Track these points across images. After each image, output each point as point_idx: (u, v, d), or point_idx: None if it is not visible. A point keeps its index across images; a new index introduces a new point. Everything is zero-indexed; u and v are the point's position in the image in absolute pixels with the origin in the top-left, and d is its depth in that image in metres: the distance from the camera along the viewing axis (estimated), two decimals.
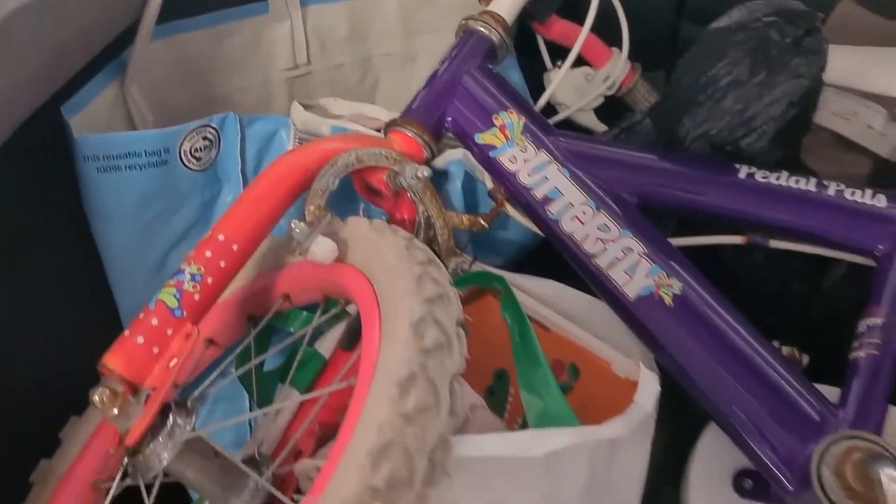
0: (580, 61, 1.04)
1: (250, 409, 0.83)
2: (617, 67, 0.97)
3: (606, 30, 0.95)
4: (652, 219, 0.73)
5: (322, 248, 0.64)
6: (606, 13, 0.93)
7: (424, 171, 0.72)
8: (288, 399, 0.72)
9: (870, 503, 0.53)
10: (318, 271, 0.67)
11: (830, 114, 0.81)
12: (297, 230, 0.65)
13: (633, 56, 0.99)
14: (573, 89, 1.00)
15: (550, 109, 0.96)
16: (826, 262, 0.78)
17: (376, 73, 1.02)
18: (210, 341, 0.75)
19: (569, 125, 0.98)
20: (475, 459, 0.52)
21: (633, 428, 0.58)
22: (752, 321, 0.75)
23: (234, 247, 0.65)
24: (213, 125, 0.76)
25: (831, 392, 0.65)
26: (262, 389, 0.74)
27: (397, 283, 0.56)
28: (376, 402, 0.49)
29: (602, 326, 0.71)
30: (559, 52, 0.98)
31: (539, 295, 0.74)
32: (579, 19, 0.93)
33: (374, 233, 0.63)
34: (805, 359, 0.78)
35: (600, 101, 1.00)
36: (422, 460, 0.47)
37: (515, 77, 0.92)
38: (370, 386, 0.51)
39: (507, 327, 0.65)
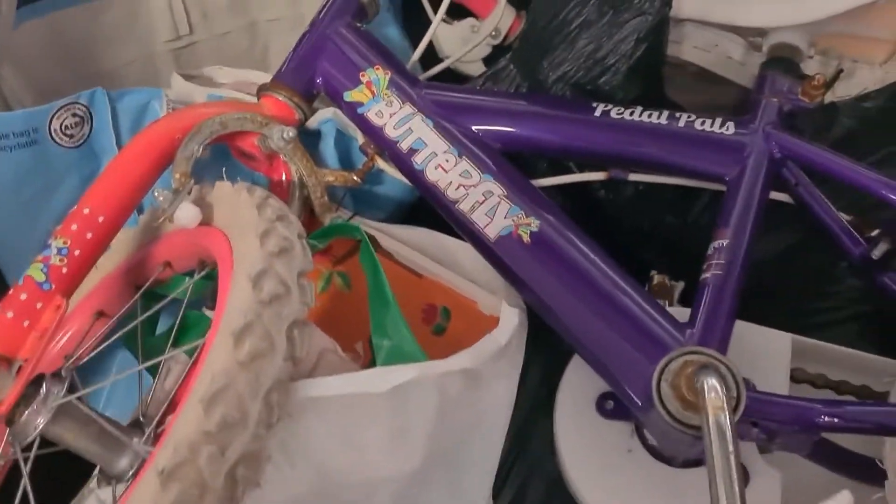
0: (467, 13, 1.05)
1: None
2: (498, 16, 0.99)
3: None
4: (522, 163, 0.76)
5: (185, 213, 0.66)
6: None
7: (290, 132, 0.74)
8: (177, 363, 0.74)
9: (699, 411, 0.56)
10: (191, 236, 0.69)
11: (692, 47, 0.83)
12: (161, 197, 0.67)
13: (519, 4, 1.00)
14: (461, 41, 1.02)
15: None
16: (692, 193, 0.82)
17: (265, 38, 1.03)
18: (100, 313, 0.77)
19: (460, 78, 1.00)
20: (323, 399, 0.55)
21: (483, 359, 0.61)
22: (631, 255, 0.78)
23: (100, 218, 0.66)
24: (82, 102, 0.77)
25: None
26: (152, 355, 0.77)
27: (246, 239, 0.58)
28: (216, 352, 0.51)
29: (472, 269, 0.74)
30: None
31: (412, 243, 0.76)
32: None
33: (233, 194, 0.65)
34: (679, 286, 0.82)
35: (487, 50, 1.02)
36: (256, 403, 0.49)
37: (394, 33, 0.93)
38: (214, 338, 0.53)
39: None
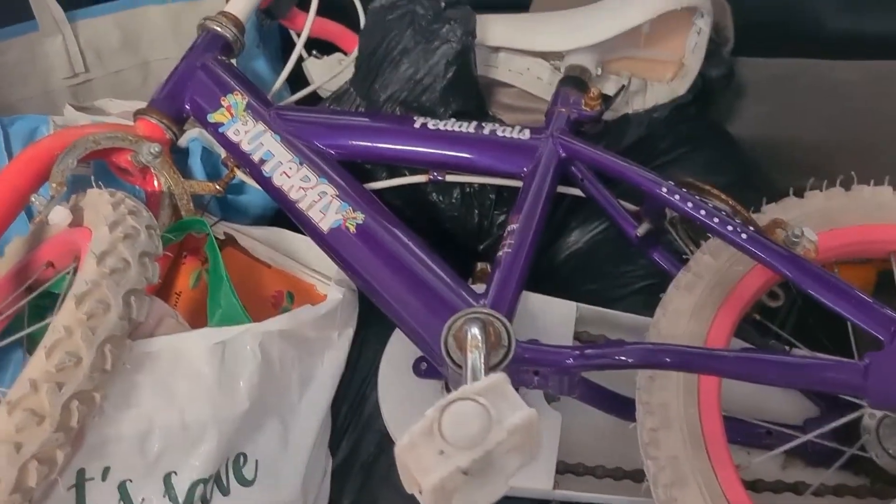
0: (335, 49, 1.20)
1: None
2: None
3: (356, 18, 1.10)
4: (362, 170, 0.90)
5: (57, 215, 0.79)
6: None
7: (155, 148, 0.87)
8: None
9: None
10: (66, 236, 0.81)
11: (508, 71, 0.98)
12: (38, 202, 0.80)
13: None
14: (328, 72, 1.16)
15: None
16: (513, 194, 0.96)
17: (157, 75, 1.15)
18: None
19: None
20: (155, 353, 0.67)
21: (300, 322, 0.74)
22: (463, 247, 0.92)
23: None
24: None
25: None
26: None
27: (99, 228, 0.71)
28: (62, 312, 0.64)
29: (312, 259, 0.87)
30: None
31: (263, 239, 0.89)
32: (328, 12, 1.09)
33: (98, 196, 0.78)
34: None
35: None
36: (91, 352, 0.62)
37: (262, 66, 1.07)
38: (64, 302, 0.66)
39: None
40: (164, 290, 0.90)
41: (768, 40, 1.13)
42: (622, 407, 0.78)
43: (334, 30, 1.16)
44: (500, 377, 0.51)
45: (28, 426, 0.58)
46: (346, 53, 1.18)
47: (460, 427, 0.48)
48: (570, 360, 0.71)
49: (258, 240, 0.89)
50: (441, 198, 0.96)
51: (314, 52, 1.17)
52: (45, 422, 0.59)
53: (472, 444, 0.47)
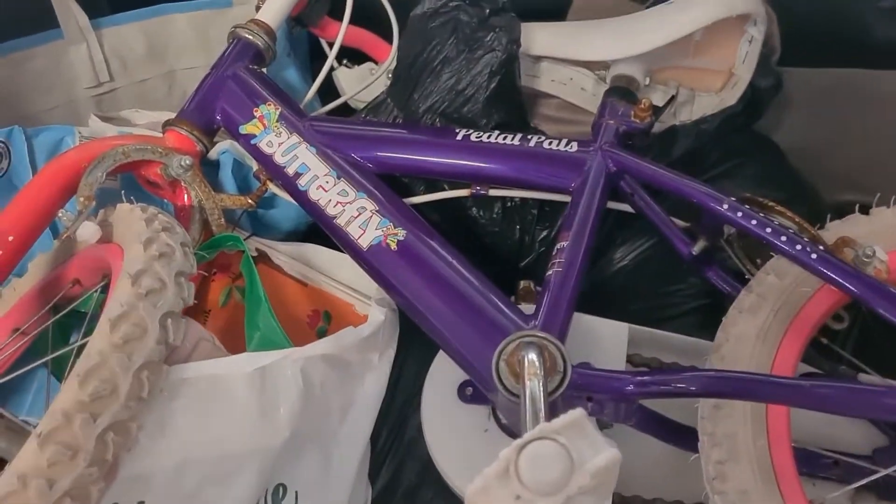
0: (367, 58, 1.16)
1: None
2: (391, 59, 1.10)
3: (388, 27, 1.07)
4: (400, 185, 0.86)
5: (85, 230, 0.75)
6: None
7: (187, 161, 0.84)
8: None
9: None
10: (94, 252, 0.78)
11: (550, 81, 0.95)
12: (65, 217, 0.76)
13: None
14: (360, 82, 1.12)
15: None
16: (554, 208, 0.92)
17: (182, 85, 1.12)
18: (16, 330, 0.84)
19: None
20: (192, 380, 0.63)
21: (342, 346, 0.69)
22: (506, 263, 0.88)
23: (10, 238, 0.75)
24: (1, 138, 0.86)
25: None
26: (64, 365, 0.84)
27: (134, 247, 0.67)
28: (95, 336, 0.60)
29: (350, 277, 0.83)
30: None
31: (298, 256, 0.85)
32: (360, 21, 1.06)
33: (128, 212, 0.74)
34: None
35: (381, 88, 1.13)
36: (126, 379, 0.58)
37: (293, 75, 1.04)
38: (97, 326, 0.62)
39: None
40: (192, 308, 0.86)
41: (815, 50, 1.09)
42: (682, 436, 0.74)
43: (366, 38, 1.13)
44: (579, 413, 0.47)
45: (61, 461, 0.54)
46: (376, 63, 1.15)
47: (540, 470, 0.44)
48: (630, 387, 0.67)
49: (292, 256, 0.85)
50: (481, 212, 0.92)
51: (345, 61, 1.13)
52: (79, 456, 0.55)
53: (554, 491, 0.43)
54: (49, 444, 0.54)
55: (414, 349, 0.84)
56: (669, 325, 0.85)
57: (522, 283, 0.89)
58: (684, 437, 0.73)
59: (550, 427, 0.45)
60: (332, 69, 1.11)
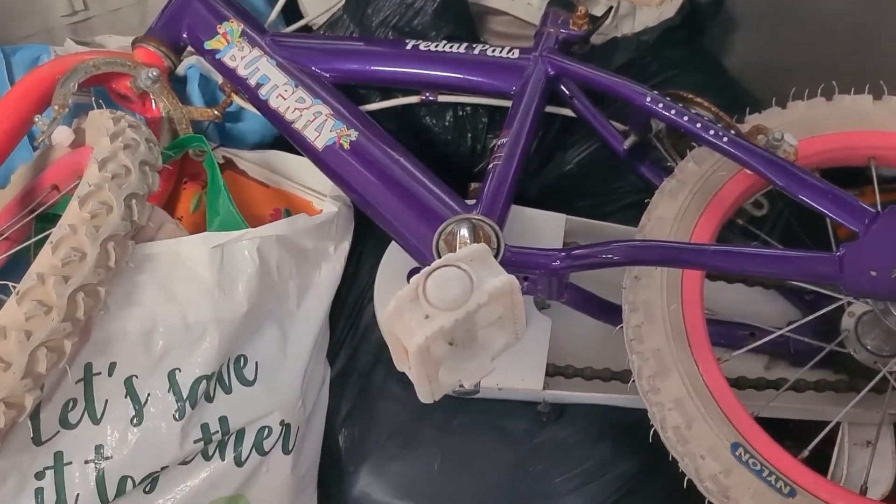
0: None
1: None
2: None
3: None
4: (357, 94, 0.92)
5: (59, 134, 0.81)
6: None
7: (154, 72, 0.90)
8: None
9: None
10: (69, 157, 0.84)
11: None
12: (41, 123, 0.82)
13: None
14: (323, 4, 1.17)
15: None
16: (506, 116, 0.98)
17: (154, 13, 1.16)
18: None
19: None
20: (157, 255, 0.70)
21: (296, 229, 0.76)
22: (455, 171, 0.94)
23: None
24: None
25: None
26: None
27: (101, 140, 0.73)
28: (67, 212, 0.66)
29: (308, 177, 0.89)
30: None
31: (261, 162, 0.92)
32: None
33: (99, 116, 0.80)
34: None
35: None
36: (94, 248, 0.64)
37: None
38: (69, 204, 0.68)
39: None
40: None
41: None
42: (610, 312, 0.81)
43: None
44: (481, 246, 0.54)
45: (37, 315, 0.61)
46: None
47: (443, 290, 0.50)
48: (558, 262, 0.74)
49: (255, 162, 0.92)
50: (434, 121, 0.98)
51: None
52: (53, 311, 0.62)
53: (455, 306, 0.50)
54: (26, 301, 0.61)
55: (370, 245, 0.91)
56: (611, 219, 0.92)
57: (472, 185, 0.95)
58: (611, 312, 0.80)
59: (455, 256, 0.52)
60: None
